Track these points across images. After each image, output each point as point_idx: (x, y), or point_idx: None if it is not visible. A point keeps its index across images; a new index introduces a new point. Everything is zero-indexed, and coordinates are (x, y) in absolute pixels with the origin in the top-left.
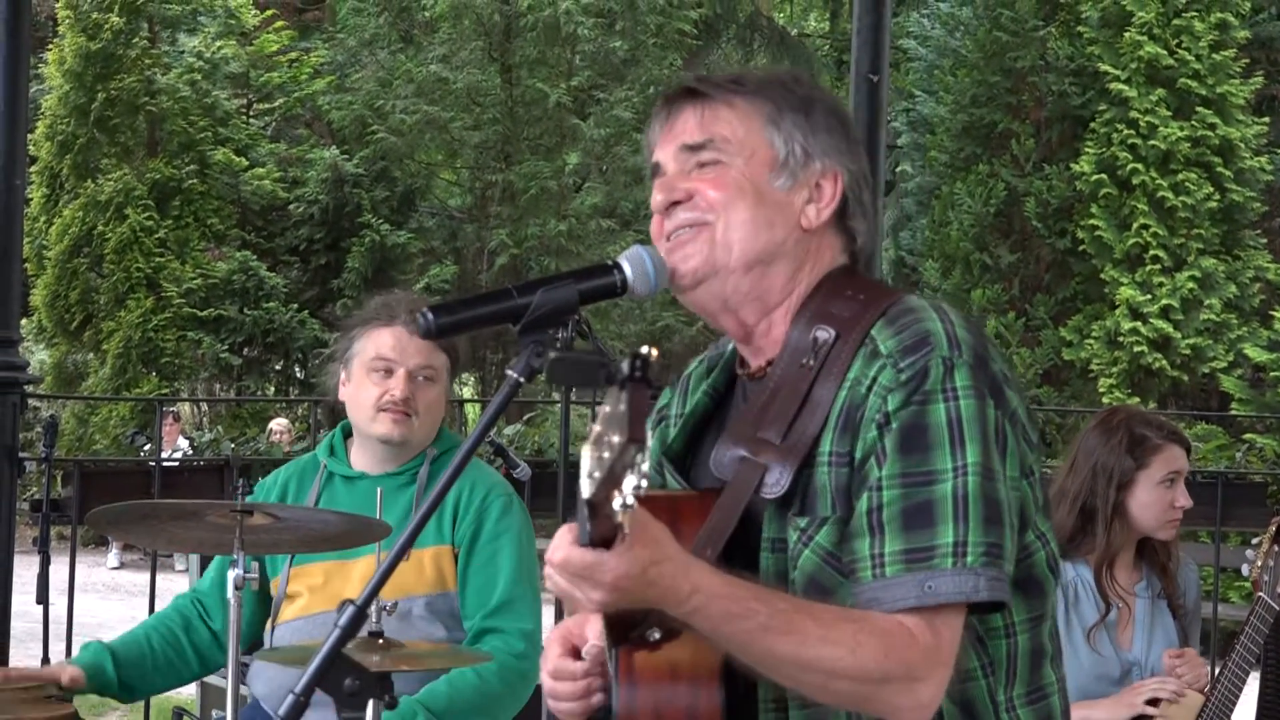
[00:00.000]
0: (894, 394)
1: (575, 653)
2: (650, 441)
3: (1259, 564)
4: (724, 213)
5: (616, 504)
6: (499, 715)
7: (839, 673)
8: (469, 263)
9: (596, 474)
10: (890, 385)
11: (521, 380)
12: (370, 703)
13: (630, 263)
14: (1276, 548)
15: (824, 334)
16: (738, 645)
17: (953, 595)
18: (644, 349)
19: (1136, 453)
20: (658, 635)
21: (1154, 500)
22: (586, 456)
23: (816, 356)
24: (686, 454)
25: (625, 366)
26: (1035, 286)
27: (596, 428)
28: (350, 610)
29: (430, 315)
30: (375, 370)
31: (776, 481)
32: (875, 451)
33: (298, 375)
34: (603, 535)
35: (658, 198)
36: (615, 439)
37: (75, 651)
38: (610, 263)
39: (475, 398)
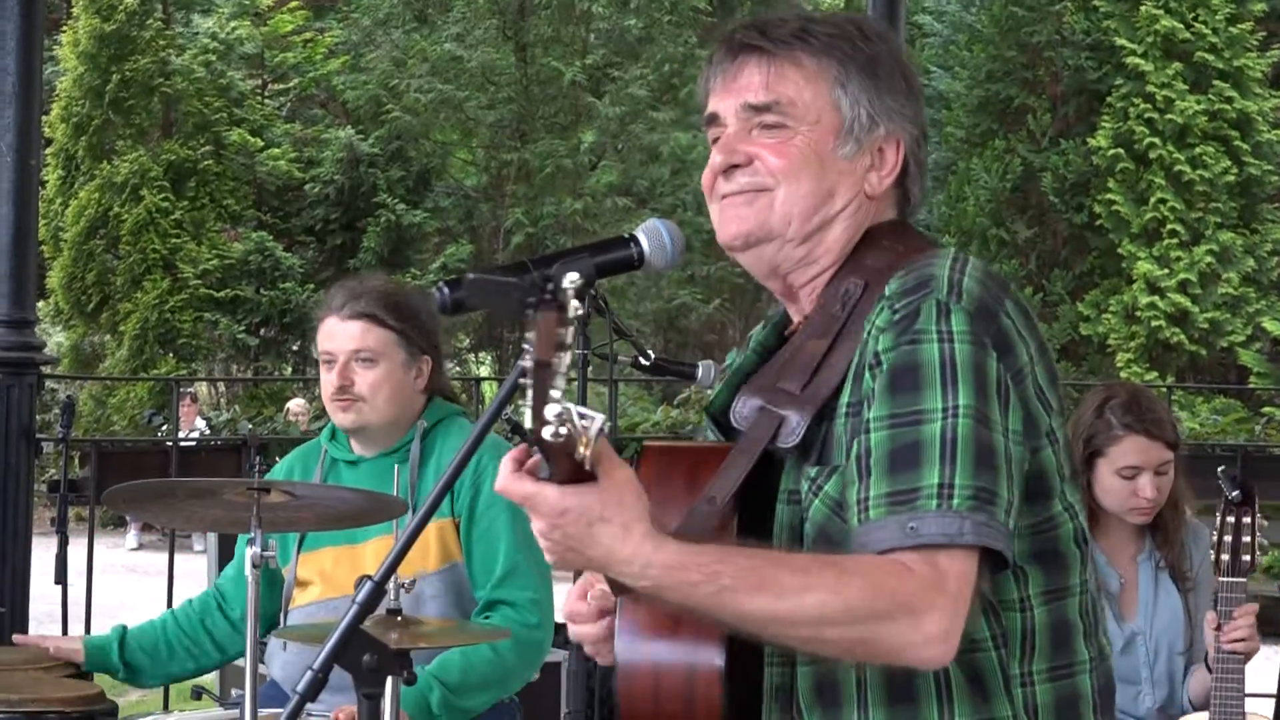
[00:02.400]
0: (885, 334)
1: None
2: (595, 411)
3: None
4: (785, 182)
5: (547, 433)
6: (512, 685)
7: (825, 619)
8: (485, 242)
9: (525, 407)
10: (883, 326)
11: (536, 357)
12: (389, 679)
13: (647, 236)
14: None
15: (853, 285)
16: (711, 611)
17: (935, 536)
18: (558, 270)
19: (1097, 439)
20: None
21: (1114, 488)
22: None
23: (844, 307)
24: (728, 410)
25: (536, 289)
26: (1052, 261)
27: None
28: (368, 586)
29: (446, 290)
30: (325, 363)
31: (792, 431)
32: (868, 395)
33: (314, 355)
34: (566, 474)
35: (717, 159)
36: (526, 363)
37: (94, 632)
38: (627, 236)
39: (492, 376)
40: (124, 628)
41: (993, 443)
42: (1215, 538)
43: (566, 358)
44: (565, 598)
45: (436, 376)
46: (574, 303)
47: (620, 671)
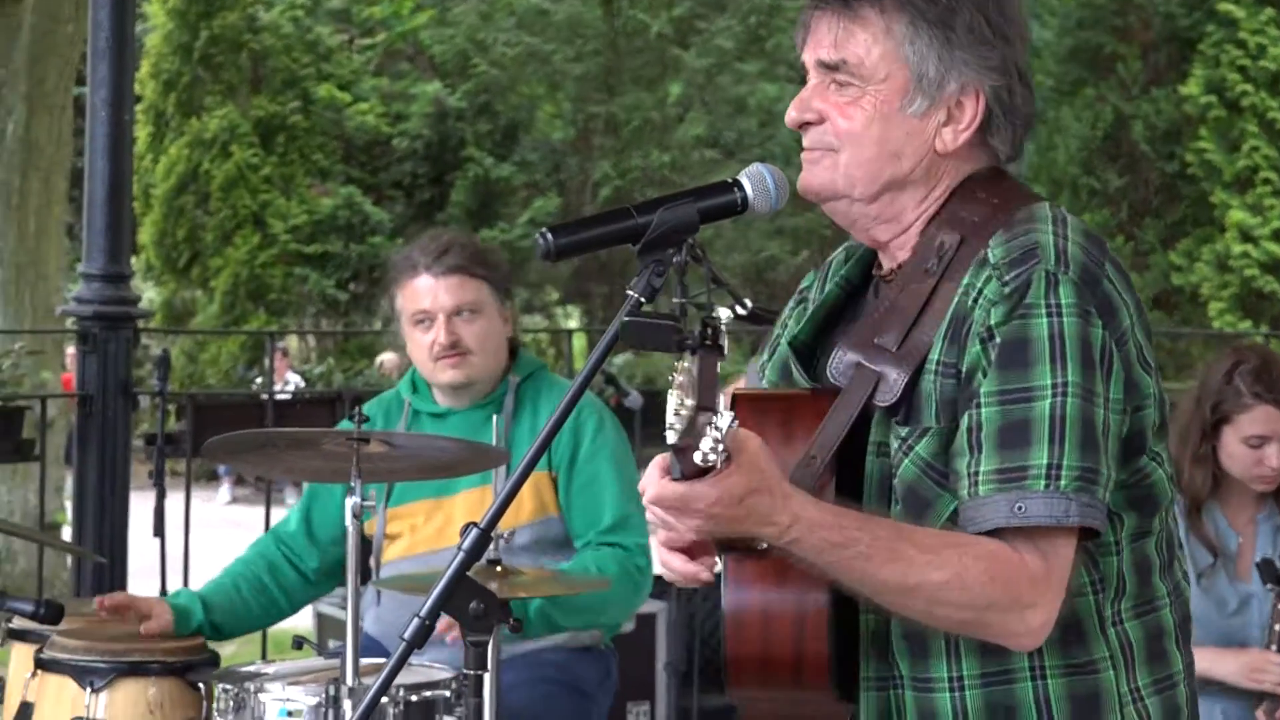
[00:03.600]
0: (997, 307)
1: None
2: (723, 407)
3: None
4: (849, 145)
5: (697, 458)
6: (606, 617)
7: (944, 599)
8: (572, 195)
9: (677, 426)
10: (994, 298)
11: (642, 300)
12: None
13: (750, 180)
14: None
15: (949, 239)
16: (840, 572)
17: (1042, 518)
18: (718, 311)
19: (1225, 405)
20: (764, 545)
21: (1239, 455)
22: (671, 401)
23: (940, 262)
24: (814, 345)
25: (697, 332)
26: (1144, 210)
27: (678, 378)
28: (473, 533)
29: (549, 236)
30: (418, 324)
31: (890, 390)
32: (980, 366)
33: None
34: (696, 471)
35: (791, 114)
36: (689, 403)
37: (192, 584)
38: (730, 181)
39: (581, 328)
40: (201, 596)
41: (1097, 419)
42: None
43: (722, 396)
44: None
45: (515, 323)
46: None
47: (729, 619)
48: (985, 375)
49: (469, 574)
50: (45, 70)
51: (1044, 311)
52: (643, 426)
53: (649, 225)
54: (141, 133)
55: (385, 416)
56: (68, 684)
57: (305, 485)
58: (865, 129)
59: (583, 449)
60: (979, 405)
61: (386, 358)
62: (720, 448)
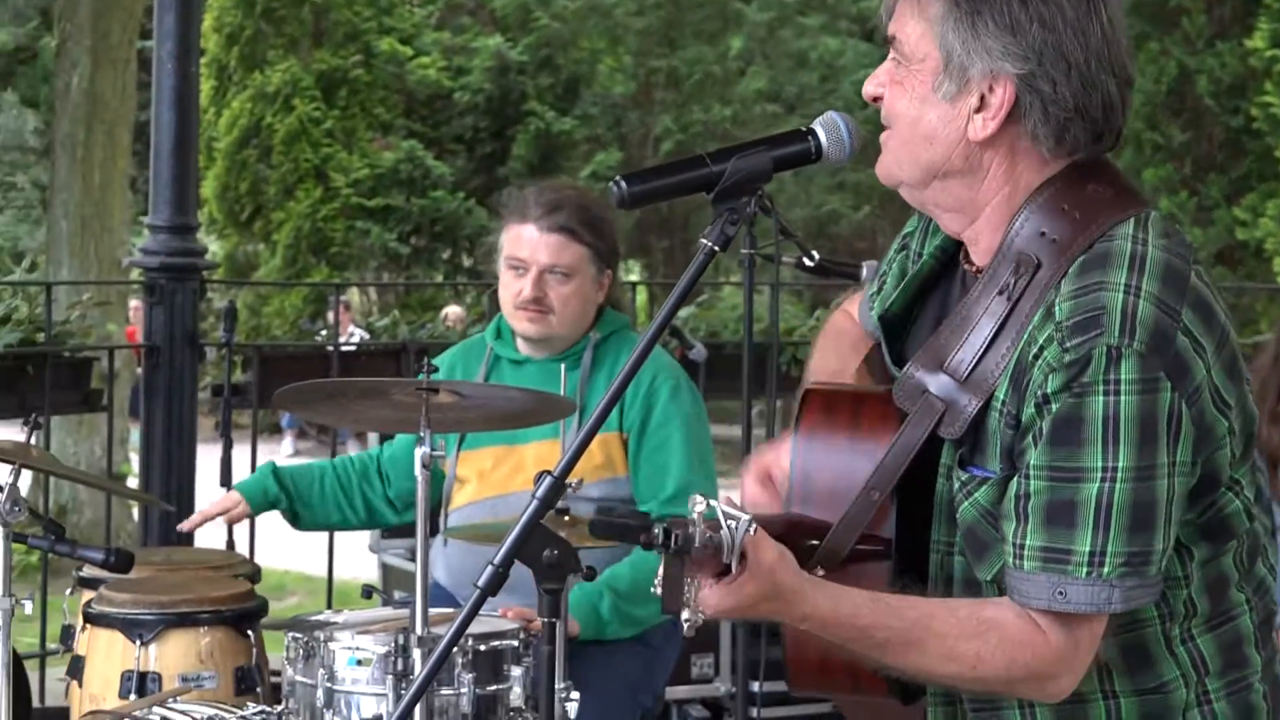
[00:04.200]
0: (1055, 375)
1: (769, 479)
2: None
3: None
4: (894, 124)
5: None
6: None
7: (961, 684)
8: (634, 149)
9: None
10: (1054, 364)
11: (716, 249)
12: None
13: (824, 128)
14: None
15: (1026, 261)
16: (859, 653)
17: (1083, 606)
18: (685, 526)
19: None
20: (822, 573)
21: None
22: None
23: (1016, 286)
24: (905, 316)
25: (660, 538)
26: (1208, 165)
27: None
28: (548, 481)
29: (624, 184)
30: (512, 268)
31: (956, 422)
32: (1034, 430)
33: (465, 263)
34: (716, 571)
35: (866, 87)
36: (659, 593)
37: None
38: (804, 129)
39: (642, 280)
40: (272, 463)
41: (1156, 493)
42: None
43: (694, 589)
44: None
45: (613, 288)
46: (698, 541)
47: (788, 627)
48: (1037, 446)
49: (542, 522)
50: (109, 24)
51: (1101, 390)
52: (706, 379)
53: (723, 173)
54: (204, 86)
55: (466, 362)
56: (117, 637)
57: (371, 437)
58: (905, 110)
59: (655, 414)
60: (1028, 476)
61: (451, 311)
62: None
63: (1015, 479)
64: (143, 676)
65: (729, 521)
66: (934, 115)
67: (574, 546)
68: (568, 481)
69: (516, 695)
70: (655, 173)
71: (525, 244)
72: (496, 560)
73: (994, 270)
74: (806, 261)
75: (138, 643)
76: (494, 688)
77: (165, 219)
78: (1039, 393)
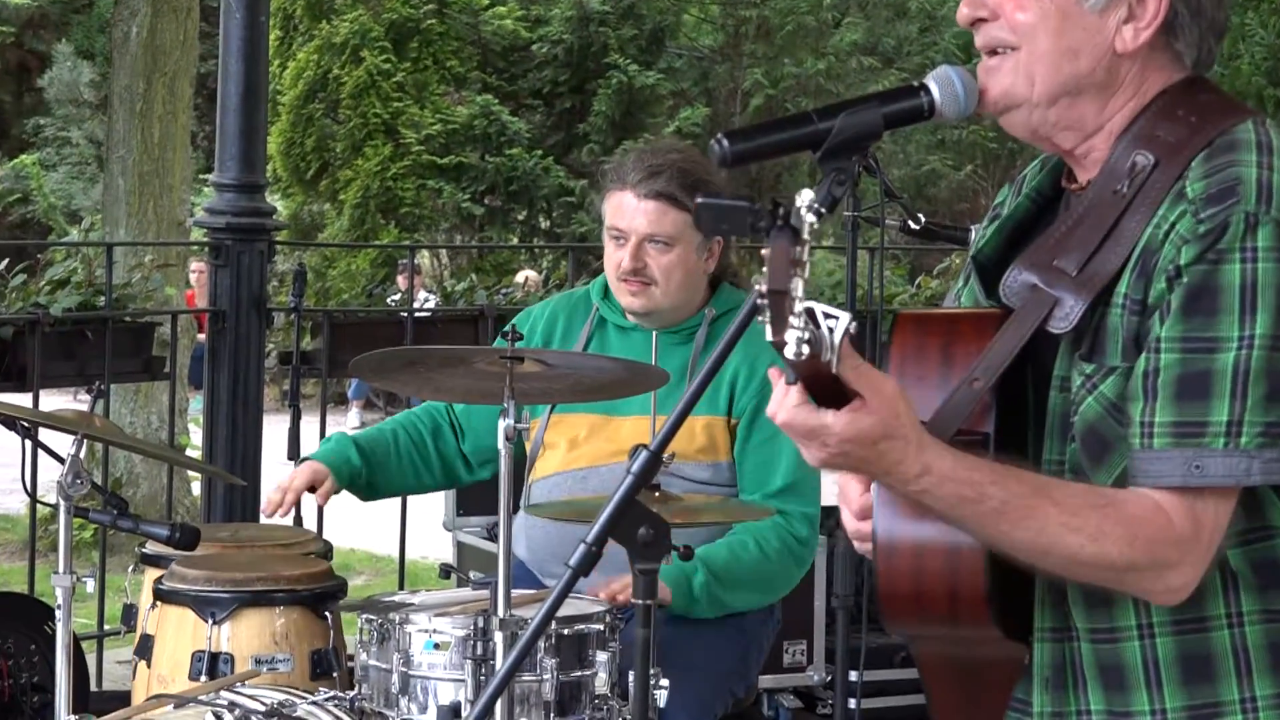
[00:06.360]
0: (1189, 246)
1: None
2: (829, 306)
3: None
4: (1026, 39)
5: (789, 354)
6: (769, 593)
7: (1079, 560)
8: (721, 104)
9: (763, 319)
10: (1187, 236)
11: (824, 211)
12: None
13: (938, 83)
14: None
15: (1143, 159)
16: (971, 527)
17: (1222, 479)
18: (799, 195)
19: None
20: None
21: None
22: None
23: (1131, 184)
24: (1000, 260)
25: (768, 207)
26: None
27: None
28: (644, 455)
29: (725, 142)
30: (613, 238)
31: (1065, 316)
32: (1162, 306)
33: (542, 225)
34: (825, 390)
35: (963, 10)
36: (760, 289)
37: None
38: (916, 84)
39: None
40: (349, 436)
41: None
42: None
43: (800, 281)
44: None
45: (725, 256)
46: (809, 220)
47: (880, 550)
48: (1168, 317)
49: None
50: None
51: (1238, 257)
52: None
53: (830, 131)
54: (270, 37)
55: (569, 319)
56: (187, 615)
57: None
58: (1042, 20)
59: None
60: (1158, 349)
61: (530, 274)
62: (807, 337)
63: (1143, 355)
64: (214, 658)
65: (828, 321)
66: (1079, 28)
67: (668, 524)
68: (664, 455)
69: (602, 681)
70: (759, 130)
71: (624, 212)
72: (589, 538)
73: (1107, 175)
74: (912, 225)
75: (210, 622)
76: (578, 674)
77: (232, 176)
78: (1170, 267)
